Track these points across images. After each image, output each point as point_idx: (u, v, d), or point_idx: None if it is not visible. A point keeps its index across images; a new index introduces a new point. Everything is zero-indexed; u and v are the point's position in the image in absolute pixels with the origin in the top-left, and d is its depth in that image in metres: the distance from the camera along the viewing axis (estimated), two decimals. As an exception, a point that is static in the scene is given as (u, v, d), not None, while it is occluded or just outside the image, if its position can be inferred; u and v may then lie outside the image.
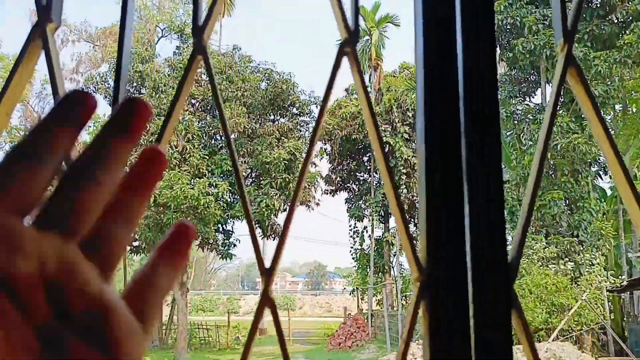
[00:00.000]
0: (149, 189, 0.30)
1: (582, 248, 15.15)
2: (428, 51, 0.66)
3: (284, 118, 19.26)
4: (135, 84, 19.04)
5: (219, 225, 18.23)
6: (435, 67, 0.66)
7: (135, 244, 18.45)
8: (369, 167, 22.62)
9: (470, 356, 0.58)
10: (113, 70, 19.76)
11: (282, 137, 18.11)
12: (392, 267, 22.68)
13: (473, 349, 0.58)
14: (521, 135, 18.83)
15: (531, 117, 18.33)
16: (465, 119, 0.64)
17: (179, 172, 16.40)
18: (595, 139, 0.67)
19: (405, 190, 20.58)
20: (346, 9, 0.68)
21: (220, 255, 19.80)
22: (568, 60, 0.62)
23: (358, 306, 25.24)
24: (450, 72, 0.65)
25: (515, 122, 19.00)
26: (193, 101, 18.75)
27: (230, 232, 19.31)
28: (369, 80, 22.79)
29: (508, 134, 19.60)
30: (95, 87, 19.78)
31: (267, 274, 0.61)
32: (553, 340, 11.58)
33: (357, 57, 0.65)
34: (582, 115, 17.99)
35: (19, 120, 27.32)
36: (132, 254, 19.92)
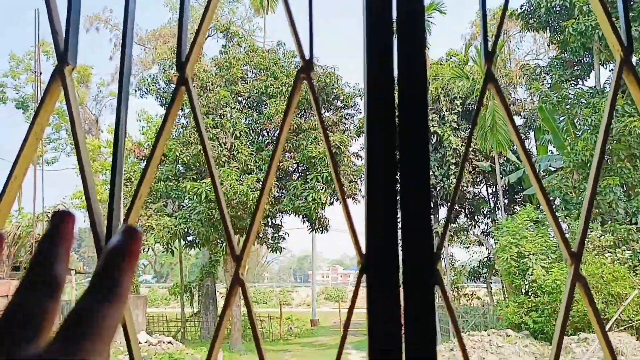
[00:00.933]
0: None
1: (640, 235, 14.57)
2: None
3: (328, 112, 19.42)
4: (184, 85, 19.68)
5: (268, 219, 18.65)
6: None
7: (189, 238, 19.14)
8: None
9: (400, 322, 0.72)
10: (163, 71, 20.53)
11: (327, 131, 18.27)
12: (443, 259, 22.48)
13: (403, 315, 0.72)
14: (575, 119, 18.21)
15: (584, 101, 17.66)
16: (400, 134, 0.76)
17: (228, 168, 16.88)
18: (515, 146, 0.77)
19: (454, 181, 20.33)
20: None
21: (270, 249, 20.24)
22: (487, 77, 0.73)
23: (409, 297, 25.16)
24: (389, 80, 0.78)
25: (568, 106, 18.35)
26: (240, 98, 19.21)
27: (279, 226, 19.70)
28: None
29: (561, 119, 18.99)
30: (147, 89, 20.56)
31: (237, 259, 0.76)
32: (609, 330, 11.23)
33: (312, 83, 0.79)
34: None
35: (79, 123, 28.81)
36: (187, 248, 20.68)
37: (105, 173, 22.43)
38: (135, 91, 23.88)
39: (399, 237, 0.75)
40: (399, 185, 0.76)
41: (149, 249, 18.14)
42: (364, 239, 0.77)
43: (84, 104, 27.99)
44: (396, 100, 0.79)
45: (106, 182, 22.46)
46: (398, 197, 0.76)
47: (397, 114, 0.78)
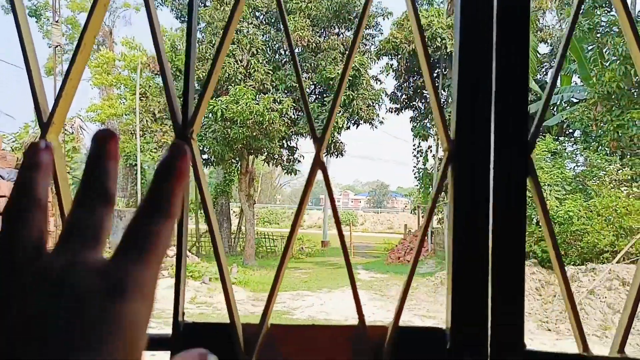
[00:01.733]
0: None
1: (659, 171, 14.41)
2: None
3: (349, 31, 18.80)
4: (200, -2, 19.06)
5: (284, 141, 18.62)
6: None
7: (205, 157, 19.30)
8: (437, 84, 21.94)
9: (488, 210, 0.68)
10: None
11: (347, 52, 17.78)
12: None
13: (491, 203, 0.69)
14: (604, 49, 17.50)
15: (617, 30, 16.88)
16: (497, 29, 0.70)
17: (244, 86, 16.65)
18: (623, 30, 0.71)
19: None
20: None
21: (285, 171, 20.36)
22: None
23: (419, 223, 25.60)
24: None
25: (598, 35, 17.59)
26: (257, 13, 18.60)
27: (295, 149, 19.71)
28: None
29: (589, 48, 18.25)
30: (162, 0, 19.96)
31: (319, 141, 0.73)
32: (617, 262, 11.40)
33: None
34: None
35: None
36: (203, 167, 20.87)
37: (120, 87, 22.21)
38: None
39: (491, 124, 0.71)
40: (493, 72, 0.71)
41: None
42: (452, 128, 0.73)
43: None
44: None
45: (121, 97, 22.34)
46: (493, 82, 0.70)
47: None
